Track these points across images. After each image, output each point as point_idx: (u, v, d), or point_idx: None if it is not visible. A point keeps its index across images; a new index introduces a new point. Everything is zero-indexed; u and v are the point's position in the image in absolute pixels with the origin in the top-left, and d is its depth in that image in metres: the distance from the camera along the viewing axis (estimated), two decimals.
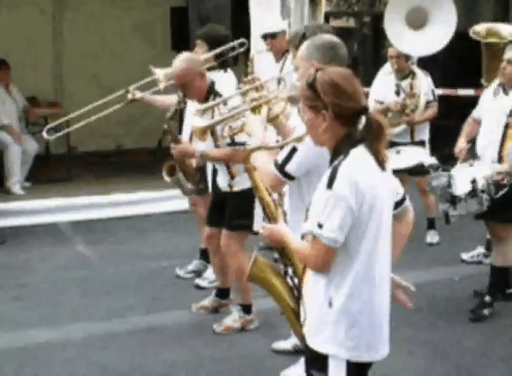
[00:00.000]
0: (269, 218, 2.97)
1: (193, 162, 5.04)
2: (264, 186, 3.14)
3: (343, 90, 2.57)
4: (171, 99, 5.31)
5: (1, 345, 4.76)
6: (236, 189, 4.76)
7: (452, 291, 5.67)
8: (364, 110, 2.60)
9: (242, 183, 4.63)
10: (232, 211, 4.82)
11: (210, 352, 4.64)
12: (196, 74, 4.59)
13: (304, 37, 3.94)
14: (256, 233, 4.85)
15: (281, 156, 3.20)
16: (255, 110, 3.50)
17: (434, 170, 5.25)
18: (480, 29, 5.49)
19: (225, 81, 5.12)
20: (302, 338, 2.78)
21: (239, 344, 4.75)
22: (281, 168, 3.20)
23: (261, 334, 4.83)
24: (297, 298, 3.11)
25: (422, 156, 6.35)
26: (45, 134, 6.13)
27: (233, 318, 4.93)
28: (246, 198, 4.54)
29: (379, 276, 2.64)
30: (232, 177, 4.76)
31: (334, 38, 3.50)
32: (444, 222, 5.04)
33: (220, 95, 4.58)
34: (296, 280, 3.07)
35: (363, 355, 2.63)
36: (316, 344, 2.65)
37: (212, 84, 4.71)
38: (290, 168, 3.20)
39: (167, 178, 5.17)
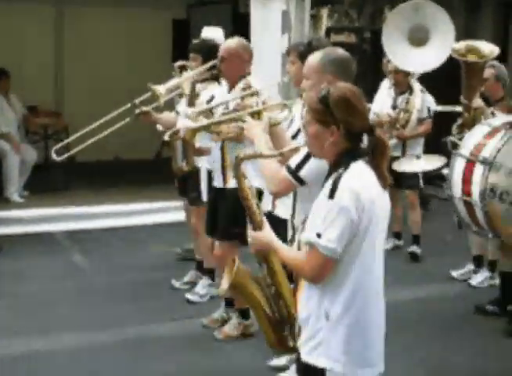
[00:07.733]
0: (255, 226, 2.98)
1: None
2: (249, 190, 3.10)
3: (355, 107, 2.59)
4: (174, 119, 5.28)
5: None
6: (229, 186, 4.79)
7: (442, 308, 5.64)
8: (371, 129, 2.62)
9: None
10: (226, 217, 4.82)
11: (204, 363, 4.62)
12: (242, 58, 4.84)
13: (310, 45, 3.97)
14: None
15: (294, 161, 3.15)
16: (254, 115, 3.51)
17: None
18: (459, 47, 5.35)
19: (218, 93, 5.16)
20: (275, 347, 2.75)
21: (234, 355, 4.74)
22: (295, 172, 3.16)
23: (256, 346, 4.70)
24: (274, 308, 3.14)
25: (442, 163, 6.39)
26: (54, 155, 5.86)
27: (233, 325, 4.94)
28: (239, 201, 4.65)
29: (374, 292, 2.64)
30: (223, 171, 4.82)
31: (346, 53, 3.48)
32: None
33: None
34: (273, 289, 3.11)
35: (358, 371, 2.61)
36: (312, 357, 2.63)
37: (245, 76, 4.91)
38: (303, 173, 3.14)
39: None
